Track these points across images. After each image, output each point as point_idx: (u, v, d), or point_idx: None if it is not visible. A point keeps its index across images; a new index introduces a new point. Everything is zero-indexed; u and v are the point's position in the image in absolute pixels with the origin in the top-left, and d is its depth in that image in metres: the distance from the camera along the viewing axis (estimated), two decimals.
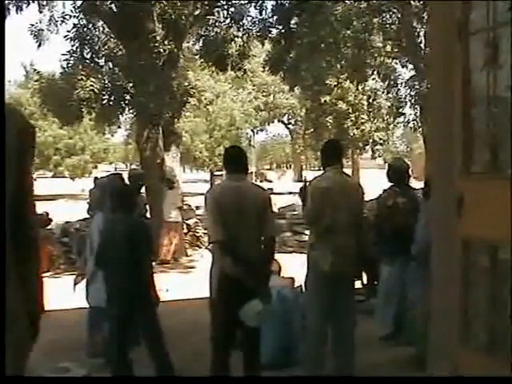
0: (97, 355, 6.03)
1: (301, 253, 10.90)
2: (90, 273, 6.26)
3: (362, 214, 5.97)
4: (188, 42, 16.30)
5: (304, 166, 57.57)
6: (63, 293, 6.79)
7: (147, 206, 10.93)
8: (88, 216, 9.47)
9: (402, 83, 20.70)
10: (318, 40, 15.51)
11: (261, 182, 45.53)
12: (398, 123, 28.19)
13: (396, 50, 18.78)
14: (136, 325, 5.49)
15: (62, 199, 34.30)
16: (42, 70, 17.94)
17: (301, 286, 6.83)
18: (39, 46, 14.75)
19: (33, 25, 14.62)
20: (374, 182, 18.71)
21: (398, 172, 7.20)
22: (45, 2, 14.46)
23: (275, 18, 14.71)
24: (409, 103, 20.68)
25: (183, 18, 14.05)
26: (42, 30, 14.64)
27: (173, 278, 11.95)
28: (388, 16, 17.68)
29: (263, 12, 14.82)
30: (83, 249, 12.85)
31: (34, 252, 2.54)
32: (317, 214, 5.41)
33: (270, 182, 50.71)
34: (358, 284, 7.37)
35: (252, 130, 46.77)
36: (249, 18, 15.14)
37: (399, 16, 17.50)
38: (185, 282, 11.30)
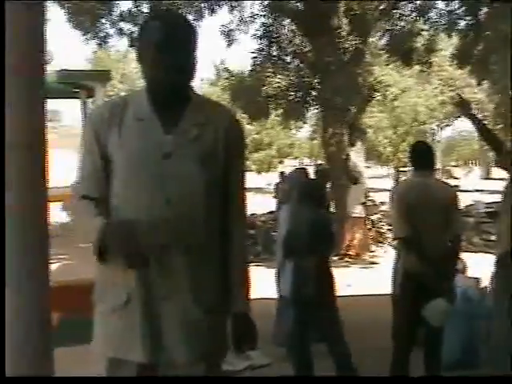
0: (281, 345, 6.19)
1: (487, 252, 10.52)
2: (279, 263, 6.44)
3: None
4: (373, 37, 16.20)
5: (492, 164, 55.14)
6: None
7: (332, 201, 11.03)
8: (275, 209, 9.73)
9: None
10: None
11: (446, 179, 44.24)
12: None
13: None
14: (318, 320, 5.54)
15: (249, 193, 35.27)
16: (231, 68, 18.62)
17: (487, 286, 6.60)
18: (229, 45, 15.34)
19: (224, 25, 15.23)
20: None
21: None
22: (235, 3, 14.99)
23: (463, 9, 14.26)
24: None
25: (368, 13, 14.00)
26: (232, 30, 15.20)
27: (355, 273, 11.96)
28: None
29: (450, 4, 14.42)
30: (269, 241, 13.29)
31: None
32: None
33: (456, 179, 49.11)
34: None
35: (437, 126, 45.55)
36: (435, 11, 14.80)
37: None
38: (367, 277, 11.27)
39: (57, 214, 4.18)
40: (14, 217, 2.71)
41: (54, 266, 3.31)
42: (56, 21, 12.99)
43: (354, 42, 13.82)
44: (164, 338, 2.39)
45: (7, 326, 2.77)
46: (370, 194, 17.82)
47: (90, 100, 8.02)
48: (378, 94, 16.56)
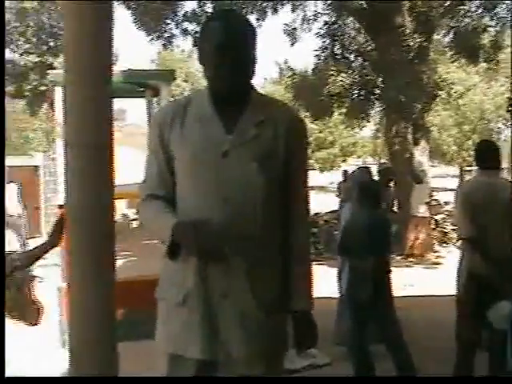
0: (342, 344, 6.18)
1: None
2: (340, 263, 6.43)
3: None
4: (438, 35, 15.97)
5: None
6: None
7: (395, 200, 10.93)
8: (337, 208, 9.69)
9: None
10: None
11: None
12: None
13: None
14: (376, 321, 5.52)
15: (312, 191, 35.19)
16: (294, 66, 18.63)
17: None
18: (292, 44, 15.35)
19: (286, 24, 15.25)
20: None
21: None
22: (298, 2, 14.99)
23: None
24: None
25: (433, 10, 13.81)
26: (295, 28, 15.21)
27: (418, 273, 11.83)
28: None
29: None
30: (331, 240, 13.25)
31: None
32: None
33: None
34: None
35: (504, 124, 44.53)
36: (503, 6, 14.48)
37: None
38: (431, 277, 11.13)
39: (122, 212, 4.27)
40: (81, 215, 2.78)
41: (118, 263, 3.38)
42: (121, 21, 13.22)
43: (418, 40, 13.65)
44: (223, 334, 2.42)
45: (73, 322, 2.84)
46: (435, 193, 17.58)
47: (155, 99, 8.15)
48: (443, 92, 16.30)
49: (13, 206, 11.69)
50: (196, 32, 13.87)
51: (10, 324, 3.11)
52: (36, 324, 2.79)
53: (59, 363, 4.72)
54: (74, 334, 2.85)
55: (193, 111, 2.50)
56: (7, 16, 27.94)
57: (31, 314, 2.70)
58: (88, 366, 2.78)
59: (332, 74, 14.26)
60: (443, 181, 35.04)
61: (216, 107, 2.49)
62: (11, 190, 12.14)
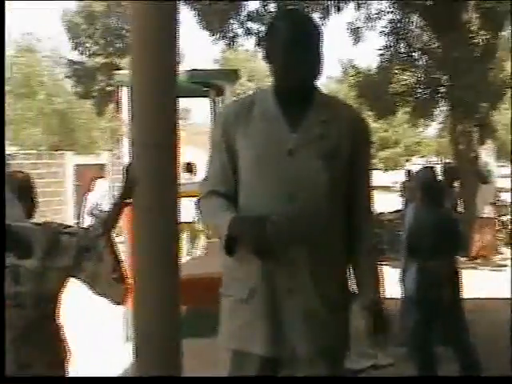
0: (404, 345, 6.12)
1: None
2: (403, 263, 6.37)
3: None
4: (506, 31, 15.61)
5: None
6: None
7: (460, 201, 10.76)
8: (401, 208, 9.60)
9: None
10: None
11: None
12: None
13: None
14: (443, 323, 5.46)
15: (376, 190, 34.79)
16: (358, 65, 18.50)
17: None
18: (356, 42, 15.24)
19: (350, 23, 15.15)
20: None
21: None
22: (362, 1, 14.87)
23: None
24: None
25: (500, 6, 13.52)
26: (359, 27, 15.10)
27: (483, 275, 11.61)
28: None
29: None
30: (394, 240, 13.11)
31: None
32: None
33: None
34: None
35: None
36: None
37: None
38: (495, 280, 10.92)
39: (186, 210, 4.32)
40: (147, 213, 2.83)
41: (183, 260, 3.43)
42: (186, 22, 13.34)
43: (484, 37, 13.39)
44: (286, 332, 2.44)
45: (138, 317, 2.89)
46: (501, 193, 17.22)
47: (219, 98, 8.21)
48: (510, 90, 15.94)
49: (105, 201, 11.97)
50: (259, 31, 13.91)
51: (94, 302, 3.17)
52: (120, 303, 2.79)
53: (124, 357, 4.83)
54: (138, 330, 2.91)
55: (257, 110, 2.53)
56: (77, 20, 28.58)
57: (116, 290, 2.71)
58: (152, 361, 2.84)
59: (396, 73, 14.10)
60: (510, 181, 34.17)
61: (281, 106, 2.51)
62: (102, 186, 12.40)
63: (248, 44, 34.27)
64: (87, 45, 29.08)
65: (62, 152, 16.82)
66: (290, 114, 2.49)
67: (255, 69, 40.93)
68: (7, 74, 27.84)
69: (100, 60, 28.18)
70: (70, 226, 2.88)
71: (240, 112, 2.55)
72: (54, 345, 2.75)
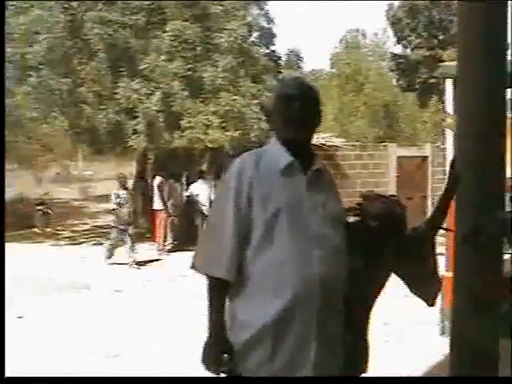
0: None
1: None
2: None
3: None
4: None
5: None
6: None
7: None
8: None
9: None
10: None
11: None
12: None
13: None
14: None
15: None
16: None
17: None
18: None
19: None
20: None
21: None
22: None
23: None
24: None
25: None
26: None
27: None
28: None
29: None
30: None
31: None
32: None
33: None
34: None
35: None
36: None
37: None
38: None
39: None
40: (470, 209, 2.78)
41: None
42: None
43: None
44: None
45: (458, 311, 2.87)
46: None
47: None
48: None
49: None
50: None
51: None
52: (433, 305, 2.79)
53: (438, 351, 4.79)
54: (457, 324, 2.89)
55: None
56: (400, 14, 28.77)
57: (431, 291, 2.73)
58: (466, 359, 2.79)
59: None
60: None
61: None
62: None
63: None
64: (410, 38, 29.11)
65: (385, 144, 17.07)
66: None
67: None
68: (333, 70, 29.07)
69: (423, 52, 28.02)
70: None
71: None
72: None
